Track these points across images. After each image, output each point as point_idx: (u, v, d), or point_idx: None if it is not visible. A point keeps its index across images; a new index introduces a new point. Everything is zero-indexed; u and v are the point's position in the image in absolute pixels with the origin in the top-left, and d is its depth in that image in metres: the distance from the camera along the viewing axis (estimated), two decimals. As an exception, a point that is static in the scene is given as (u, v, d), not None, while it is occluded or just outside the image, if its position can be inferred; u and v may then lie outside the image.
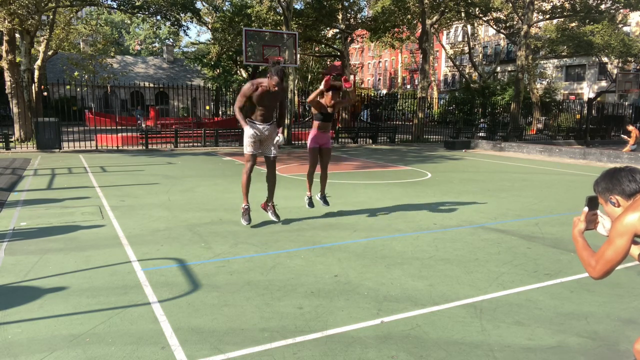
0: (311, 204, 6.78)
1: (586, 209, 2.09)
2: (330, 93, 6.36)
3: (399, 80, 66.40)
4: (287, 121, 20.21)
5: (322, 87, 6.32)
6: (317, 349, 3.00)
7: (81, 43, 36.70)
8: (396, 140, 22.77)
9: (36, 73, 21.10)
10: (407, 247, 5.27)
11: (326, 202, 6.87)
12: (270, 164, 6.18)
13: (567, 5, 26.17)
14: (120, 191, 8.58)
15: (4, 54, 18.20)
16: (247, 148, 5.95)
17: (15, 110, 18.65)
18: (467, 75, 43.30)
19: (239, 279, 4.22)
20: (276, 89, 5.63)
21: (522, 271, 4.51)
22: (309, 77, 47.55)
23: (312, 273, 4.38)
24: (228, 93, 36.54)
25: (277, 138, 5.95)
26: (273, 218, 6.24)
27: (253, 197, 6.93)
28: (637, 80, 23.62)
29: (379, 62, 70.59)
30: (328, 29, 30.83)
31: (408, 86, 61.44)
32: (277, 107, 6.15)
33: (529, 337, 3.19)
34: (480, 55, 51.98)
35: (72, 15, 26.23)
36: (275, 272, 4.41)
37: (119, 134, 18.78)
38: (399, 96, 37.04)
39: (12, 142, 17.53)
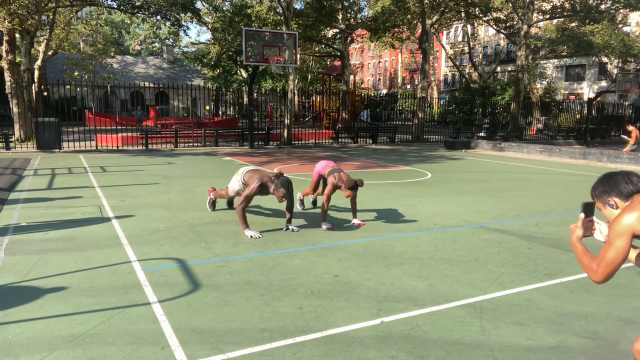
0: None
1: (582, 215, 2.09)
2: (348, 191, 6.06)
3: (399, 80, 66.41)
4: (287, 121, 20.24)
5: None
6: (317, 349, 3.00)
7: (81, 43, 36.69)
8: (396, 140, 22.77)
9: (36, 73, 21.08)
10: (407, 247, 5.27)
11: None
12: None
13: (567, 5, 26.16)
14: (120, 191, 8.58)
15: (4, 54, 18.19)
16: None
17: (15, 110, 18.64)
18: (467, 75, 43.32)
19: (239, 279, 4.22)
20: (283, 200, 5.62)
21: (522, 271, 4.51)
22: (309, 77, 47.56)
23: (312, 273, 4.38)
24: (228, 93, 36.60)
25: (292, 228, 5.87)
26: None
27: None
28: (637, 80, 23.58)
29: (379, 62, 70.59)
30: (328, 29, 30.82)
31: (408, 86, 61.45)
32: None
33: (529, 337, 3.19)
34: (480, 55, 51.99)
35: (72, 15, 26.20)
36: (275, 272, 4.41)
37: (119, 134, 18.78)
38: (399, 96, 37.05)
39: (12, 142, 17.52)
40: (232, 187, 6.23)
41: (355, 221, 6.33)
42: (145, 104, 40.99)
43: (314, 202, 7.32)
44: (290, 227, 5.87)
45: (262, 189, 5.67)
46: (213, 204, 7.01)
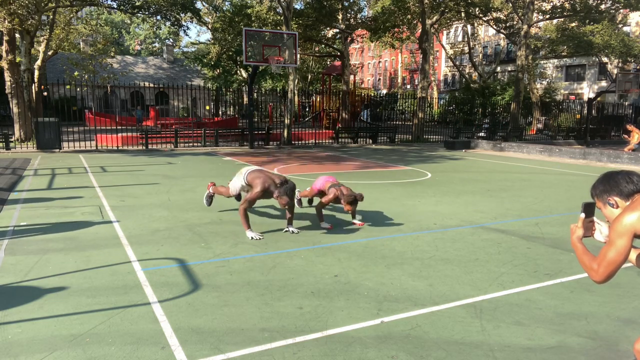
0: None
1: (582, 215, 2.09)
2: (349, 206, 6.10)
3: (399, 80, 66.40)
4: (287, 121, 20.24)
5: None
6: (317, 349, 3.00)
7: (81, 43, 36.69)
8: (396, 140, 22.76)
9: (36, 73, 21.08)
10: (407, 247, 5.27)
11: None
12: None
13: (567, 5, 26.15)
14: (120, 191, 8.58)
15: (4, 54, 18.19)
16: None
17: (15, 110, 18.64)
18: (467, 75, 43.32)
19: (239, 279, 4.22)
20: (285, 208, 5.65)
21: (522, 271, 4.51)
22: (309, 77, 47.57)
23: (312, 273, 4.38)
24: (228, 93, 36.60)
25: (292, 230, 5.83)
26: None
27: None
28: (637, 80, 23.60)
29: (379, 62, 70.58)
30: (328, 29, 30.83)
31: (408, 86, 61.44)
32: None
33: (529, 337, 3.19)
34: (480, 55, 51.98)
35: (72, 15, 26.21)
36: (275, 272, 4.41)
37: (119, 134, 18.78)
38: (399, 96, 37.05)
39: (12, 142, 17.52)
40: (233, 186, 6.19)
41: (356, 221, 6.34)
42: (145, 104, 40.98)
43: (310, 201, 7.24)
44: (290, 228, 5.86)
45: (266, 194, 5.66)
46: (210, 198, 6.88)
